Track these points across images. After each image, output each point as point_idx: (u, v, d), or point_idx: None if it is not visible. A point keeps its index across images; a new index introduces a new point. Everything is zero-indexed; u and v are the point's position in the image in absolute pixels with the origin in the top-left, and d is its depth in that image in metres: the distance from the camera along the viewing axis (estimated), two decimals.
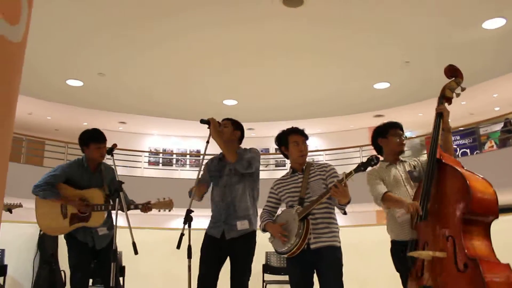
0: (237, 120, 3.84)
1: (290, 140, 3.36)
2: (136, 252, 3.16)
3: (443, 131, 2.95)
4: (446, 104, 2.97)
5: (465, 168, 2.74)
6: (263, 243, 3.53)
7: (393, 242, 3.14)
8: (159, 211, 3.77)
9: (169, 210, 3.76)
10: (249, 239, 3.58)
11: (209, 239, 3.58)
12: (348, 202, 3.03)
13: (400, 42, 9.09)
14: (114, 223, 3.49)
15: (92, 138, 3.82)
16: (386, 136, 3.26)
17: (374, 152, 13.07)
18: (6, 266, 4.88)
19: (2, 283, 4.72)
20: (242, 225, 3.54)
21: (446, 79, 3.09)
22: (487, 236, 2.53)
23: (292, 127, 3.42)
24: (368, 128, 16.10)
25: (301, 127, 3.45)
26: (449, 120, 2.96)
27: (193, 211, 3.22)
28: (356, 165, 2.87)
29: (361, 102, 13.11)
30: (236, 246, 3.53)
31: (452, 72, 3.01)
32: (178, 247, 3.12)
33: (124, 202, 3.51)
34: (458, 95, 2.97)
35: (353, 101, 13.02)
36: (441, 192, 2.68)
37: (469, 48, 9.01)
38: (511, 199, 9.30)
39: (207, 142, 3.54)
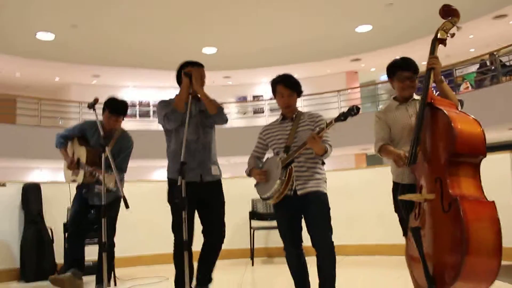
0: (215, 68, 3.78)
1: (277, 90, 3.33)
2: (127, 206, 3.14)
3: (435, 83, 2.90)
4: (440, 46, 2.89)
5: (459, 109, 2.73)
6: (249, 191, 3.54)
7: (393, 184, 3.16)
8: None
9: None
10: (220, 184, 3.65)
11: (186, 187, 3.08)
12: (324, 154, 3.10)
13: None
14: (103, 180, 3.47)
15: (110, 107, 4.10)
16: (393, 78, 3.14)
17: (352, 96, 13.13)
18: None
19: None
20: (215, 170, 3.59)
21: (431, 18, 3.02)
22: (475, 175, 2.55)
23: (281, 76, 3.35)
24: (345, 72, 16.09)
25: (279, 73, 3.40)
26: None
27: (186, 163, 3.13)
28: (337, 114, 2.87)
29: (342, 47, 13.01)
30: (211, 189, 3.56)
31: (448, 12, 2.88)
32: (170, 200, 3.21)
33: (112, 160, 3.46)
34: (453, 35, 2.86)
35: (334, 46, 12.92)
36: (431, 136, 2.70)
37: None
38: (488, 138, 9.51)
39: (190, 94, 3.47)
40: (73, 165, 4.17)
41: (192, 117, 3.54)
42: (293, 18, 10.79)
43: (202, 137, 3.57)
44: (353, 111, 2.85)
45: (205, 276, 3.59)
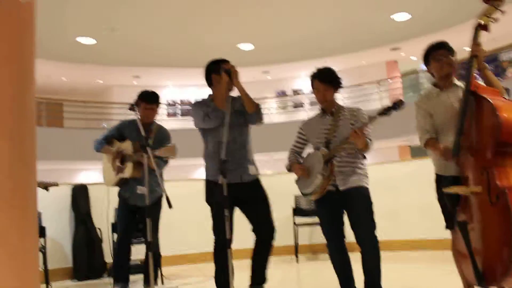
0: (253, 63, 3.75)
1: (314, 86, 3.30)
2: (170, 206, 3.18)
3: (479, 70, 2.79)
4: (483, 32, 2.78)
5: (504, 98, 2.63)
6: (292, 187, 3.53)
7: (436, 175, 3.08)
8: (165, 158, 3.88)
9: (173, 157, 3.76)
10: (260, 182, 3.56)
11: (221, 188, 3.12)
12: (366, 148, 3.05)
13: None
14: (146, 179, 3.50)
15: (142, 98, 4.09)
16: (429, 62, 3.06)
17: (393, 86, 12.87)
18: (44, 228, 5.03)
19: (43, 244, 4.88)
20: (252, 170, 3.50)
21: (471, 2, 2.89)
22: None
23: (317, 71, 3.31)
24: (385, 62, 15.74)
25: (318, 66, 3.37)
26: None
27: (227, 161, 3.14)
28: (378, 106, 2.81)
29: (378, 35, 12.73)
30: (251, 188, 3.49)
31: None
32: (217, 199, 3.11)
33: (152, 159, 3.50)
34: (496, 20, 2.74)
35: (371, 35, 12.66)
36: (475, 125, 2.61)
37: None
38: None
39: (229, 90, 3.47)
40: (120, 155, 4.12)
41: (229, 117, 3.52)
42: (328, 7, 10.65)
43: (238, 137, 3.51)
44: (397, 105, 2.80)
45: (260, 275, 3.48)
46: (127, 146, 4.06)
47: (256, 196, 3.54)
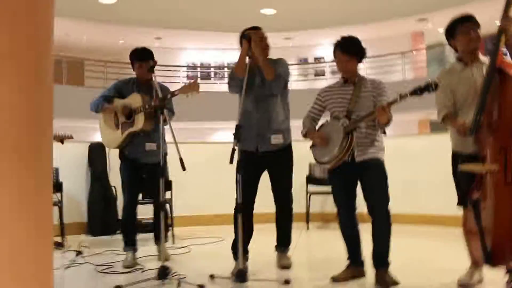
0: (275, 29, 3.69)
1: (336, 56, 3.24)
2: (183, 168, 3.21)
3: (507, 46, 2.69)
4: None
5: None
6: (307, 154, 3.52)
7: (454, 153, 3.03)
8: (187, 96, 3.70)
9: (197, 93, 3.67)
10: (286, 151, 3.61)
11: (243, 154, 3.36)
12: (388, 123, 3.00)
13: None
14: (161, 138, 3.53)
15: (134, 58, 3.99)
16: (455, 36, 2.96)
17: (418, 58, 12.62)
18: (61, 183, 5.15)
19: (60, 199, 5.01)
20: (276, 139, 3.53)
21: None
22: None
23: (340, 41, 3.23)
24: (411, 33, 15.36)
25: (341, 34, 3.29)
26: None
27: (242, 126, 3.20)
28: (401, 78, 2.75)
29: (404, 4, 12.38)
30: (272, 159, 3.54)
31: None
32: (231, 162, 3.12)
33: (168, 117, 3.52)
34: None
35: (396, 3, 12.31)
36: (497, 103, 2.55)
37: None
38: None
39: (249, 57, 3.44)
40: (127, 109, 3.91)
41: (255, 85, 3.52)
42: None
43: (262, 106, 3.53)
44: (431, 87, 2.73)
45: (283, 238, 3.70)
46: (133, 100, 3.91)
47: (278, 166, 3.60)
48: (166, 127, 3.60)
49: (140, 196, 4.29)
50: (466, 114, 2.86)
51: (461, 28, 2.91)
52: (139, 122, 3.85)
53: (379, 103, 3.02)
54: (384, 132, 3.23)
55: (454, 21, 2.97)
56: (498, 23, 2.64)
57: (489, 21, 2.87)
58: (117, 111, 3.98)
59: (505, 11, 2.64)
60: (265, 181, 3.68)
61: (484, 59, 2.93)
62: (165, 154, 3.97)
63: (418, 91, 2.76)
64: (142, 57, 3.95)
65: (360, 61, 3.24)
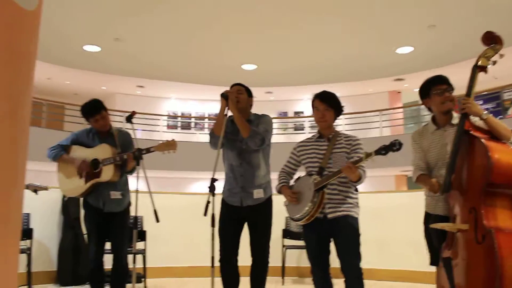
0: (256, 84, 3.77)
1: (314, 105, 3.30)
2: (157, 220, 3.18)
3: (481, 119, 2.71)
4: (481, 74, 2.76)
5: (495, 140, 2.61)
6: (283, 208, 3.53)
7: (425, 214, 3.07)
8: (163, 153, 3.69)
9: (174, 151, 3.66)
10: (266, 206, 3.62)
11: (227, 208, 3.59)
12: (359, 181, 3.03)
13: (425, 4, 8.80)
14: (136, 189, 3.51)
15: (86, 113, 3.86)
16: (429, 96, 3.00)
17: (395, 116, 12.85)
18: (31, 229, 5.02)
19: (29, 246, 4.85)
20: (257, 193, 3.56)
21: (475, 41, 2.91)
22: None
23: (319, 92, 3.31)
24: (388, 92, 15.84)
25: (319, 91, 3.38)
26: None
27: (217, 180, 3.24)
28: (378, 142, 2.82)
29: (382, 67, 12.87)
30: (253, 213, 3.55)
31: (490, 39, 2.76)
32: (205, 214, 3.14)
33: (143, 168, 3.54)
34: (494, 63, 2.74)
35: (374, 66, 12.79)
36: (466, 164, 2.62)
37: (497, 10, 8.68)
38: None
39: (225, 115, 3.50)
40: (86, 164, 3.79)
41: (238, 140, 3.57)
42: (334, 38, 10.77)
43: (246, 161, 3.57)
44: (395, 146, 2.78)
45: None
46: (100, 150, 3.81)
47: (257, 221, 3.60)
48: (134, 176, 3.59)
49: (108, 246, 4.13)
50: (439, 172, 2.92)
51: (436, 89, 2.96)
52: (108, 173, 3.76)
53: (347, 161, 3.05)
54: (356, 189, 3.25)
55: (428, 82, 3.02)
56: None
57: (463, 84, 2.97)
58: (76, 162, 3.83)
59: (471, 79, 2.74)
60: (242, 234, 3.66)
61: (458, 119, 3.01)
62: (129, 203, 3.93)
63: (383, 151, 2.80)
64: (94, 110, 3.84)
65: (337, 115, 3.31)
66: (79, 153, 3.89)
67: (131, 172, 3.73)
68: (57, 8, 8.71)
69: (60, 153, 3.88)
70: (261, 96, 15.33)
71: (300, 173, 3.40)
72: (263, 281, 3.62)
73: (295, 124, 16.56)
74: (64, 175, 3.93)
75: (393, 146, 2.78)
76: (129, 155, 3.65)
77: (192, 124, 17.25)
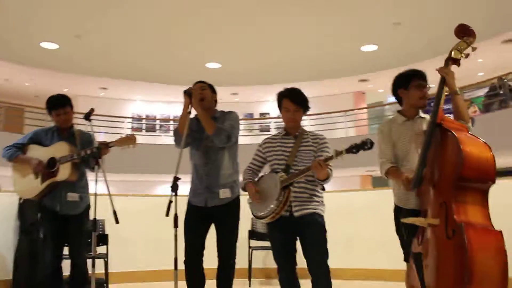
0: (221, 83, 3.69)
1: (283, 105, 3.23)
2: (117, 221, 3.06)
3: (450, 94, 2.78)
4: (453, 67, 2.74)
5: (469, 133, 2.59)
6: (250, 209, 3.45)
7: (396, 207, 3.04)
8: (122, 148, 3.55)
9: (133, 146, 3.54)
10: (233, 205, 3.52)
11: (191, 209, 3.50)
12: (327, 179, 3.00)
13: (390, 2, 8.89)
14: (95, 191, 3.37)
15: (50, 106, 3.78)
16: (407, 87, 2.99)
17: (359, 117, 12.98)
18: None
19: None
20: (224, 193, 3.46)
21: (439, 39, 2.91)
22: (483, 202, 2.43)
23: (288, 90, 3.25)
24: (353, 92, 16.01)
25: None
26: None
27: (179, 179, 3.13)
28: (346, 142, 2.78)
29: (347, 66, 12.97)
30: (219, 213, 3.46)
31: (464, 31, 2.76)
32: (167, 214, 3.04)
33: (102, 167, 3.40)
34: (467, 55, 2.73)
35: (338, 64, 12.87)
36: (438, 158, 2.59)
37: (462, 7, 8.86)
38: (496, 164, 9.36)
39: (189, 112, 3.39)
40: (42, 165, 3.65)
41: (203, 138, 3.47)
42: (298, 36, 10.78)
43: (211, 160, 3.46)
44: (367, 145, 2.75)
45: None
46: (58, 148, 3.67)
47: (224, 222, 3.50)
48: (92, 179, 3.43)
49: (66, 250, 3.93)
50: (408, 165, 2.90)
51: (416, 82, 2.96)
52: (65, 172, 3.60)
53: (316, 159, 2.99)
54: (323, 188, 3.21)
55: (409, 73, 3.01)
56: (433, 85, 2.74)
57: (429, 82, 2.97)
58: (32, 162, 3.68)
59: (445, 64, 2.74)
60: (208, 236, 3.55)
61: (424, 115, 3.01)
62: (88, 205, 3.77)
63: (354, 149, 2.77)
64: (59, 104, 3.76)
65: (305, 112, 3.26)
66: (35, 152, 3.75)
67: (93, 170, 3.54)
68: (14, 3, 8.38)
69: (16, 153, 3.76)
70: (227, 98, 15.23)
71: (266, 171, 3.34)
72: (230, 283, 3.52)
73: (261, 126, 16.54)
74: (19, 176, 3.78)
75: (365, 145, 2.75)
76: (91, 149, 3.51)
77: (157, 126, 17.00)
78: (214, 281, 3.51)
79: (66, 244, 3.77)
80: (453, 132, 2.49)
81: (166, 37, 10.62)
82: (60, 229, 3.70)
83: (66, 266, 3.72)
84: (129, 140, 3.52)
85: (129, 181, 13.29)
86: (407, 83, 2.98)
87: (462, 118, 2.74)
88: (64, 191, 3.66)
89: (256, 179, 3.32)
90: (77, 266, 3.64)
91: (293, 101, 3.18)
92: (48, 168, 3.64)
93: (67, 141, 3.70)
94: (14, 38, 10.53)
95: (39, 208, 3.79)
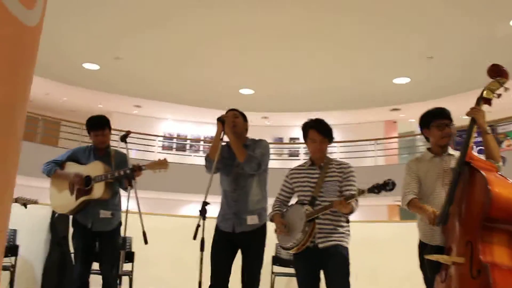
0: (253, 109, 3.77)
1: (309, 136, 3.29)
2: (146, 242, 3.14)
3: (481, 134, 2.77)
4: (485, 106, 2.74)
5: (498, 173, 2.59)
6: (273, 235, 3.49)
7: (420, 243, 3.04)
8: (154, 172, 3.69)
9: (165, 170, 3.67)
10: (260, 232, 3.56)
11: (219, 234, 3.56)
12: (350, 213, 3.04)
13: (423, 36, 8.91)
14: (126, 209, 3.48)
15: (90, 126, 3.94)
16: (429, 127, 3.05)
17: (389, 146, 12.83)
18: (17, 246, 4.93)
19: (13, 263, 4.76)
20: (252, 220, 3.51)
21: (472, 74, 2.92)
22: (509, 243, 2.39)
23: (314, 121, 3.31)
24: (384, 121, 15.91)
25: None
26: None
27: (208, 203, 3.21)
28: (371, 185, 2.80)
29: (379, 96, 12.94)
30: (246, 239, 3.51)
31: (497, 72, 2.75)
32: (195, 238, 3.12)
33: (135, 188, 3.52)
34: (499, 96, 2.74)
35: (370, 95, 12.86)
36: (465, 197, 2.59)
37: (494, 45, 8.81)
38: None
39: (221, 139, 3.48)
40: (80, 178, 3.80)
41: (234, 165, 3.55)
42: (331, 66, 10.84)
43: (240, 187, 3.54)
44: (389, 186, 2.75)
45: None
46: (94, 167, 3.83)
47: (249, 248, 3.54)
48: (125, 196, 3.56)
49: (96, 266, 4.05)
50: (433, 201, 2.90)
51: (438, 122, 3.01)
52: (99, 190, 3.75)
53: (337, 199, 3.01)
54: (347, 221, 3.22)
55: (430, 113, 3.06)
56: (466, 117, 2.75)
57: (458, 116, 2.99)
58: (70, 178, 3.84)
59: (476, 103, 2.75)
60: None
61: (454, 152, 3.02)
62: (119, 222, 3.88)
63: (376, 189, 2.78)
64: (98, 125, 3.93)
65: (330, 143, 3.31)
66: (72, 169, 3.92)
67: (126, 189, 3.68)
68: (59, 25, 8.76)
69: (54, 168, 3.93)
70: (257, 121, 15.36)
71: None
72: None
73: (290, 150, 16.56)
74: (56, 191, 3.94)
75: (387, 186, 2.76)
76: (125, 170, 3.64)
77: (187, 146, 17.21)
78: None
79: (95, 260, 3.87)
80: (482, 172, 2.49)
81: (201, 61, 10.85)
82: (91, 245, 3.83)
83: (93, 282, 3.81)
84: (162, 164, 3.66)
85: (157, 199, 13.46)
86: (428, 123, 3.04)
87: (493, 157, 2.74)
88: (97, 209, 3.80)
89: (284, 210, 3.36)
90: (107, 283, 3.73)
91: (319, 131, 3.25)
92: (84, 186, 3.79)
93: (102, 161, 3.85)
94: (58, 59, 10.96)
95: (72, 223, 3.91)
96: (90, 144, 4.06)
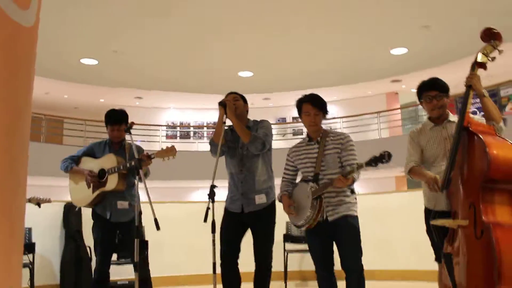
0: (253, 91, 3.81)
1: (303, 110, 3.32)
2: (158, 228, 3.21)
3: (478, 98, 2.79)
4: (480, 70, 2.75)
5: (497, 135, 2.63)
6: (283, 213, 3.56)
7: (426, 209, 3.10)
8: (163, 159, 3.75)
9: (173, 157, 3.73)
10: (268, 211, 3.64)
11: (228, 215, 3.65)
12: (352, 184, 3.12)
13: (418, 5, 8.85)
14: (136, 197, 3.55)
15: (107, 120, 4.04)
16: (421, 101, 3.10)
17: (393, 117, 12.78)
18: (34, 244, 5.04)
19: (31, 260, 4.87)
20: (259, 199, 3.58)
21: (469, 39, 2.92)
22: (511, 202, 2.47)
23: (308, 96, 3.34)
24: (385, 93, 15.87)
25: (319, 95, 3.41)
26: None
27: (216, 186, 3.28)
28: (368, 158, 2.83)
29: (377, 69, 12.90)
30: (256, 218, 3.59)
31: (490, 35, 2.76)
32: (205, 220, 3.19)
33: (143, 178, 3.58)
34: (493, 59, 2.74)
35: (369, 68, 12.82)
36: (466, 161, 2.64)
37: (493, 8, 8.73)
38: None
39: (224, 123, 3.54)
40: (92, 175, 3.91)
41: (238, 147, 3.62)
42: (328, 42, 10.80)
43: (246, 168, 3.61)
44: (385, 158, 2.78)
45: None
46: (107, 160, 3.93)
47: (259, 227, 3.63)
48: (141, 186, 3.62)
49: (114, 256, 4.18)
50: (436, 168, 2.95)
51: (425, 95, 3.04)
52: (113, 182, 3.86)
53: (339, 171, 3.11)
54: (352, 191, 3.27)
55: (420, 87, 3.10)
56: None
57: (459, 82, 2.99)
58: (85, 172, 3.96)
59: (471, 69, 2.78)
60: (245, 240, 3.69)
61: (454, 118, 3.05)
62: (140, 213, 3.95)
63: (373, 162, 2.81)
64: (115, 120, 4.02)
65: (324, 117, 3.35)
66: (87, 164, 4.06)
67: (140, 180, 3.74)
68: (53, 21, 8.75)
69: (70, 165, 4.06)
70: (259, 103, 15.37)
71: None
72: (267, 286, 3.63)
73: (293, 129, 16.59)
74: (75, 185, 4.09)
75: (383, 158, 2.78)
76: (134, 160, 3.69)
77: (191, 133, 17.28)
78: (251, 284, 3.63)
79: (116, 251, 3.99)
80: (480, 135, 2.54)
81: (199, 48, 10.84)
82: (111, 237, 3.94)
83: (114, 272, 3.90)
84: (170, 151, 3.71)
85: (164, 188, 13.58)
86: (420, 96, 3.09)
87: (493, 119, 2.77)
88: (115, 200, 3.89)
89: (290, 190, 3.41)
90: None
91: (313, 105, 3.28)
92: (99, 179, 3.90)
93: (115, 153, 3.94)
94: (55, 56, 10.96)
95: (92, 215, 4.02)
96: (107, 138, 4.15)
